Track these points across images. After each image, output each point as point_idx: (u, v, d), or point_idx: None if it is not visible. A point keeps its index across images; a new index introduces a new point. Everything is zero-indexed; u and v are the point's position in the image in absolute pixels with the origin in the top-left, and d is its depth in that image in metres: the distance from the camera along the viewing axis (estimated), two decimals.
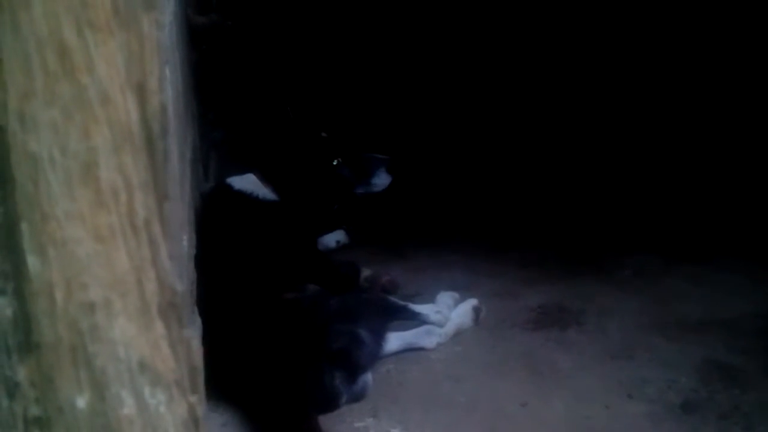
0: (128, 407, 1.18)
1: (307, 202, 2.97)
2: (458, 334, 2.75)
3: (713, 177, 3.97)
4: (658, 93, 4.24)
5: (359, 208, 3.25)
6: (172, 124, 1.29)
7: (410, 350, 2.67)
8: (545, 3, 4.27)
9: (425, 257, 3.54)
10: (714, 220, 3.70)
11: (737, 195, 3.81)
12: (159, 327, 1.17)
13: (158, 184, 1.14)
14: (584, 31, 4.26)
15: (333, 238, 3.56)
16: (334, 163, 3.05)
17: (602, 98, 4.30)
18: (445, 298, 2.87)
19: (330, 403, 2.31)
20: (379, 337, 2.52)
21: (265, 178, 2.93)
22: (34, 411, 1.16)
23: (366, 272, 3.16)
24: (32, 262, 1.10)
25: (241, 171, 2.97)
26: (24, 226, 1.09)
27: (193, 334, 1.26)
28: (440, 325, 2.71)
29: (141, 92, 1.11)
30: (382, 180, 3.15)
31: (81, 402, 1.16)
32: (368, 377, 2.42)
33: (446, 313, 2.76)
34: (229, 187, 2.92)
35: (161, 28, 1.13)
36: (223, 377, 2.27)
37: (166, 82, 1.19)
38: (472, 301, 2.86)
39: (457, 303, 2.86)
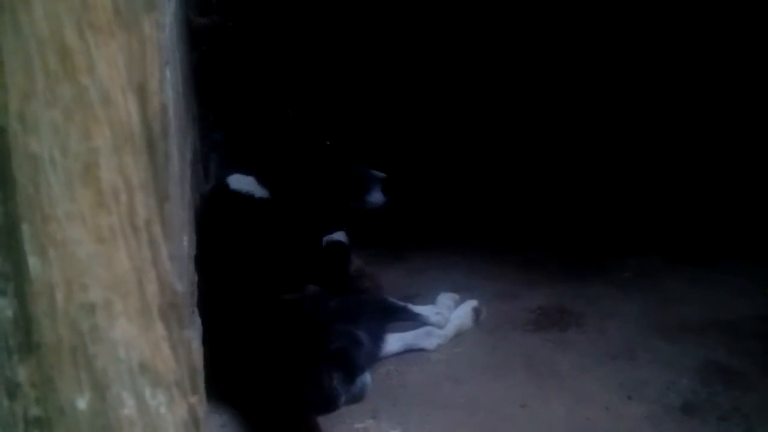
0: (129, 408, 1.18)
1: (302, 206, 2.96)
2: (458, 336, 2.75)
3: (714, 178, 3.97)
4: (659, 94, 4.24)
5: (355, 217, 3.24)
6: (173, 125, 1.29)
7: (410, 351, 2.67)
8: (545, 3, 4.27)
9: (425, 258, 3.54)
10: (715, 221, 3.70)
11: (738, 197, 3.81)
12: (159, 328, 1.17)
13: (159, 185, 1.14)
14: (584, 31, 4.26)
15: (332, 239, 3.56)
16: (328, 174, 3.04)
17: (603, 100, 4.30)
18: (446, 299, 2.87)
19: (328, 404, 2.32)
20: (378, 338, 2.52)
21: (262, 182, 2.93)
22: (35, 411, 1.16)
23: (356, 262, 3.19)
24: (33, 262, 1.10)
25: (243, 172, 2.96)
26: (25, 227, 1.09)
27: (194, 334, 1.26)
28: (440, 327, 2.71)
29: (142, 93, 1.11)
30: (375, 199, 3.09)
31: (81, 403, 1.16)
32: (367, 378, 2.42)
33: (446, 315, 2.76)
34: (227, 186, 2.92)
35: (162, 29, 1.13)
36: (223, 378, 2.28)
37: (167, 83, 1.19)
38: (472, 303, 2.86)
39: (457, 304, 2.86)
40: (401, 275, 3.34)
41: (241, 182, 2.93)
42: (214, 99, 3.37)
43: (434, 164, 4.30)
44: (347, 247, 3.17)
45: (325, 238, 3.10)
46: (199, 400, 1.24)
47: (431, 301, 2.88)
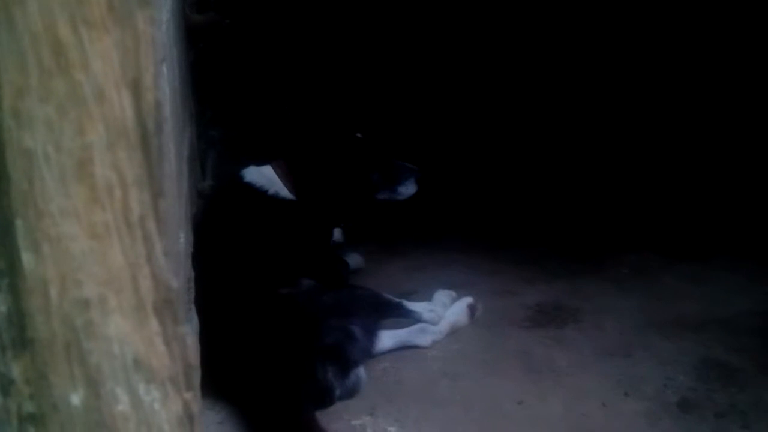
0: (123, 404, 1.18)
1: (325, 203, 2.95)
2: (454, 332, 2.75)
3: (711, 176, 3.96)
4: (656, 92, 4.24)
5: (376, 213, 3.23)
6: (169, 121, 1.29)
7: (405, 348, 2.67)
8: (544, 3, 4.26)
9: (424, 255, 3.54)
10: (712, 218, 3.70)
11: (735, 194, 3.81)
12: (154, 324, 1.17)
13: (153, 181, 1.13)
14: (581, 28, 4.26)
15: None
16: (364, 166, 3.03)
17: (600, 98, 4.30)
18: (442, 296, 2.87)
19: (323, 397, 2.32)
20: (372, 333, 2.53)
21: (289, 170, 2.91)
22: (29, 408, 1.16)
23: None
24: (27, 258, 1.10)
25: (256, 163, 2.95)
26: (18, 223, 1.09)
27: (189, 331, 1.26)
28: (433, 323, 2.71)
29: (136, 89, 1.10)
30: (408, 190, 3.12)
31: (75, 399, 1.16)
32: (361, 372, 2.43)
33: (440, 312, 2.76)
34: (240, 179, 2.90)
35: (156, 25, 1.13)
36: (221, 374, 2.28)
37: (162, 79, 1.19)
38: (468, 299, 2.86)
39: (453, 301, 2.86)
40: (400, 271, 3.34)
41: (255, 174, 2.91)
42: (212, 96, 3.37)
43: (433, 161, 4.29)
44: (342, 244, 3.18)
45: None
46: (193, 396, 1.24)
47: (429, 297, 2.88)
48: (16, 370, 1.14)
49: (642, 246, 3.51)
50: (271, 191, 2.84)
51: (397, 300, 2.70)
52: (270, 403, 2.21)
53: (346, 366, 2.37)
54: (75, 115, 1.08)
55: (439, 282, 3.04)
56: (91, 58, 1.07)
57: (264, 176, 2.89)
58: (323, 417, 2.23)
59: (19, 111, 1.06)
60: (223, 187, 2.97)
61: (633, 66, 4.24)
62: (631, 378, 2.45)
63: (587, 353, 2.61)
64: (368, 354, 2.50)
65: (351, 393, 2.39)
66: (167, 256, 1.18)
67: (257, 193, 2.84)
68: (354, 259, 3.32)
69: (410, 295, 2.94)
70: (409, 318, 2.70)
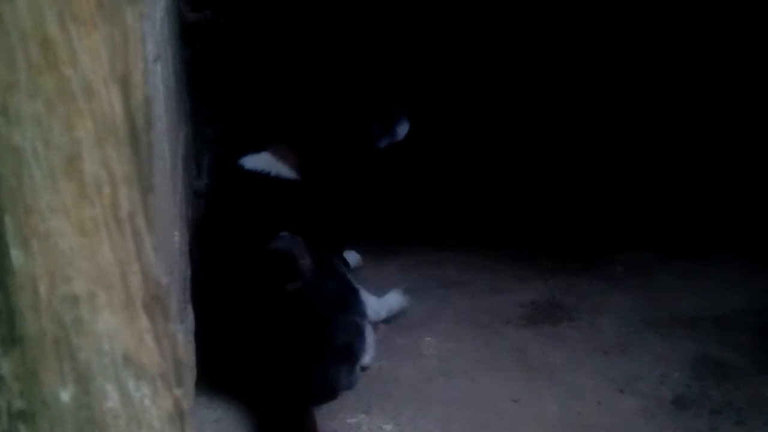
0: (113, 401, 1.18)
1: (330, 170, 2.89)
2: (451, 331, 2.75)
3: (705, 173, 3.97)
4: (649, 87, 4.24)
5: (376, 166, 3.16)
6: (163, 119, 1.29)
7: (401, 346, 2.66)
8: (544, 3, 4.27)
9: (420, 254, 3.54)
10: (706, 216, 3.71)
11: (729, 191, 3.82)
12: (143, 320, 1.17)
13: (142, 177, 1.13)
14: (580, 27, 4.26)
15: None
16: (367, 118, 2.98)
17: (595, 93, 4.30)
18: (392, 298, 2.85)
19: (330, 396, 2.32)
20: (368, 324, 2.52)
21: (289, 149, 2.86)
22: (19, 405, 1.16)
23: None
24: (15, 255, 1.10)
25: (252, 152, 2.91)
26: (7, 220, 1.09)
27: (180, 328, 1.26)
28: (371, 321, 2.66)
29: (125, 85, 1.10)
30: (404, 129, 3.07)
31: (65, 395, 1.16)
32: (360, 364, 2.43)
33: (381, 315, 2.74)
34: (241, 168, 2.82)
35: (146, 21, 1.13)
36: (220, 372, 2.28)
37: (153, 76, 1.19)
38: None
39: (400, 306, 2.84)
40: (396, 270, 3.34)
41: (255, 162, 2.84)
42: (207, 95, 3.37)
43: (428, 160, 4.29)
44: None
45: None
46: (184, 393, 1.24)
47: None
48: (6, 367, 1.14)
49: (637, 243, 3.51)
50: (274, 173, 2.80)
51: (357, 286, 2.66)
52: (274, 402, 2.21)
53: (355, 363, 2.37)
54: (64, 111, 1.08)
55: (434, 280, 3.03)
56: (80, 54, 1.07)
57: (264, 161, 2.83)
58: (317, 415, 2.23)
59: (7, 107, 1.06)
60: (224, 178, 2.92)
61: (626, 62, 4.24)
62: (626, 375, 2.44)
63: (582, 351, 2.61)
64: (369, 345, 2.50)
65: (352, 386, 2.39)
66: (157, 252, 1.18)
67: (262, 177, 2.78)
68: (353, 258, 3.31)
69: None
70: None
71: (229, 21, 3.46)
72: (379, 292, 2.85)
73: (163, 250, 1.21)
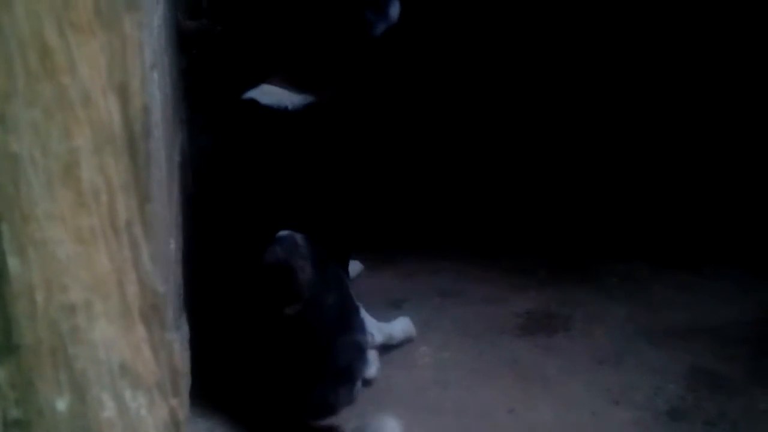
0: (109, 410, 1.17)
1: (335, 74, 2.74)
2: (445, 340, 2.75)
3: (701, 184, 3.97)
4: (644, 98, 4.25)
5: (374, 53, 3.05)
6: (160, 126, 1.29)
7: (396, 356, 2.66)
8: (544, 4, 4.27)
9: (414, 263, 3.54)
10: (701, 227, 3.71)
11: (724, 202, 3.82)
12: (140, 329, 1.17)
13: (140, 186, 1.13)
14: (576, 36, 4.27)
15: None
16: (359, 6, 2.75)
17: (589, 108, 4.31)
18: (398, 326, 2.80)
19: (330, 413, 2.30)
20: (367, 342, 2.50)
21: (290, 75, 2.70)
22: (14, 413, 1.15)
23: None
24: (12, 263, 1.10)
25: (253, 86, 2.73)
26: (4, 227, 1.09)
27: (176, 337, 1.26)
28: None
29: (123, 93, 1.10)
30: (395, 9, 2.83)
31: (61, 404, 1.16)
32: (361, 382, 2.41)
33: (378, 340, 2.69)
34: (257, 103, 2.62)
35: (144, 29, 1.13)
36: (213, 383, 2.26)
37: (150, 84, 1.19)
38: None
39: (405, 334, 2.80)
40: (391, 279, 3.33)
41: (263, 95, 2.65)
42: (204, 103, 3.36)
43: (424, 169, 4.29)
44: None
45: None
46: (180, 402, 1.24)
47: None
48: (2, 376, 1.14)
49: (632, 254, 3.51)
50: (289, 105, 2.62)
51: (358, 304, 2.54)
52: (266, 415, 2.20)
53: (355, 382, 2.34)
54: (61, 119, 1.08)
55: (429, 289, 3.03)
56: (78, 62, 1.07)
57: (272, 94, 2.65)
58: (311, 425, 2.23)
59: (5, 115, 1.06)
60: (237, 118, 2.70)
61: (622, 73, 4.25)
62: (620, 386, 2.44)
63: (577, 361, 2.61)
64: (369, 363, 2.47)
65: (353, 402, 2.36)
66: (154, 261, 1.18)
67: (277, 112, 2.60)
68: (354, 267, 3.30)
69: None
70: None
71: (226, 29, 3.46)
72: (384, 311, 2.85)
73: (159, 258, 1.21)
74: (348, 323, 2.37)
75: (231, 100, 2.80)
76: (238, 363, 2.28)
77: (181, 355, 1.30)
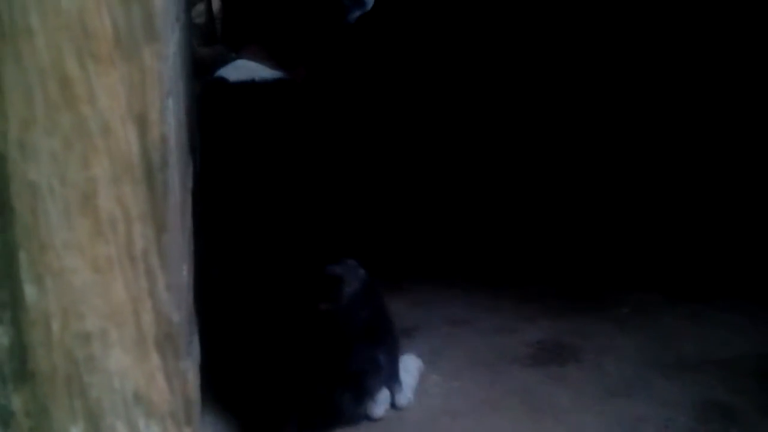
0: None
1: (310, 52, 2.64)
2: (456, 370, 2.75)
3: (715, 215, 3.97)
4: (663, 126, 4.25)
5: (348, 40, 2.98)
6: (174, 154, 1.29)
7: None
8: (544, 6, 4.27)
9: (424, 291, 3.53)
10: (713, 259, 3.70)
11: (736, 236, 3.81)
12: (155, 358, 1.18)
13: (157, 215, 1.14)
14: (583, 55, 4.28)
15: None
16: None
17: (604, 132, 4.31)
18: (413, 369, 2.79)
19: (332, 421, 2.30)
20: (395, 364, 2.49)
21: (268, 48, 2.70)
22: None
23: None
24: (29, 291, 1.11)
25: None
26: (22, 255, 1.10)
27: (189, 365, 1.26)
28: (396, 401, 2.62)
29: (142, 123, 1.11)
30: None
31: None
32: (374, 399, 2.40)
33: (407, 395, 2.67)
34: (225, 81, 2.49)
35: (163, 60, 1.14)
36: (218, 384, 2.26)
37: (167, 114, 1.19)
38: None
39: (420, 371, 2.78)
40: (401, 307, 3.32)
41: (235, 71, 2.53)
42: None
43: (436, 195, 4.30)
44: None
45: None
46: (193, 431, 1.24)
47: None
48: (17, 403, 1.14)
49: (643, 285, 3.50)
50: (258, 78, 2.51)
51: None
52: (268, 417, 2.21)
53: (362, 395, 2.34)
54: (80, 149, 1.09)
55: (440, 318, 3.03)
56: (98, 93, 1.09)
57: (244, 69, 2.54)
58: None
59: (24, 144, 1.07)
60: (208, 98, 2.51)
61: (642, 98, 4.25)
62: (631, 418, 2.43)
63: (588, 393, 2.59)
64: (389, 384, 2.45)
65: (359, 418, 2.36)
66: (169, 290, 1.18)
67: (244, 86, 2.48)
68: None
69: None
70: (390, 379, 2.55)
71: (240, 55, 3.48)
72: None
73: (174, 287, 1.21)
74: (375, 338, 2.39)
75: (202, 79, 2.72)
76: (249, 357, 2.27)
77: (194, 383, 1.30)
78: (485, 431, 2.37)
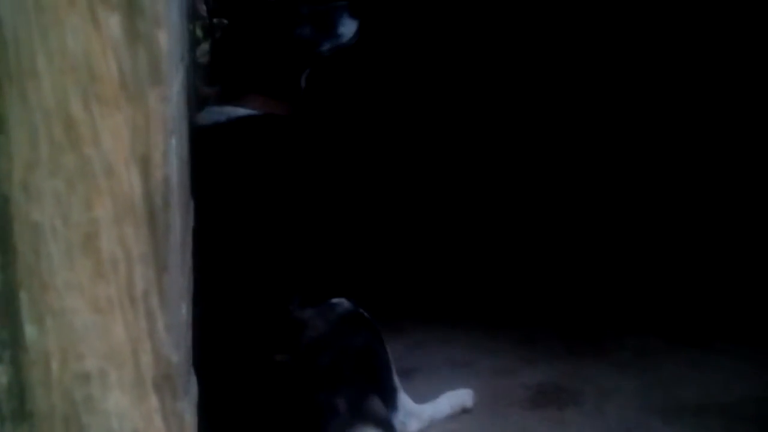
0: None
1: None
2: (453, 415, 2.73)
3: (715, 260, 3.97)
4: (664, 167, 4.27)
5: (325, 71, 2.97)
6: (176, 194, 1.30)
7: None
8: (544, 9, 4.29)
9: (423, 332, 3.52)
10: (714, 302, 3.70)
11: (737, 279, 3.81)
12: (153, 399, 1.18)
13: (158, 257, 1.15)
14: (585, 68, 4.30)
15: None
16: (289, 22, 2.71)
17: (604, 172, 4.33)
18: (444, 403, 2.76)
19: None
20: (364, 402, 2.42)
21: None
22: None
23: None
24: (29, 330, 1.11)
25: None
26: (23, 295, 1.10)
27: (187, 406, 1.26)
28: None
29: (145, 165, 1.12)
30: (348, 28, 2.74)
31: None
32: None
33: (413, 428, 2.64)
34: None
35: (167, 103, 1.15)
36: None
37: (171, 154, 1.20)
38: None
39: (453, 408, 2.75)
40: (400, 348, 3.31)
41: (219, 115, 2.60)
42: None
43: (434, 236, 4.30)
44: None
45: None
46: None
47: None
48: None
49: (644, 328, 3.49)
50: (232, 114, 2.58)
51: (397, 385, 2.57)
52: None
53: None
54: (83, 190, 1.10)
55: (439, 360, 3.02)
56: (102, 134, 1.09)
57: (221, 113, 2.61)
58: None
59: (28, 184, 1.08)
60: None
61: (644, 138, 4.27)
62: None
63: None
64: (354, 426, 2.39)
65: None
66: (169, 330, 1.19)
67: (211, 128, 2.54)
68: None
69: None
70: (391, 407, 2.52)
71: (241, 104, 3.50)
72: None
73: (173, 327, 1.22)
74: (337, 384, 2.31)
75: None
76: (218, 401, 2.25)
77: (191, 423, 1.30)
78: None
